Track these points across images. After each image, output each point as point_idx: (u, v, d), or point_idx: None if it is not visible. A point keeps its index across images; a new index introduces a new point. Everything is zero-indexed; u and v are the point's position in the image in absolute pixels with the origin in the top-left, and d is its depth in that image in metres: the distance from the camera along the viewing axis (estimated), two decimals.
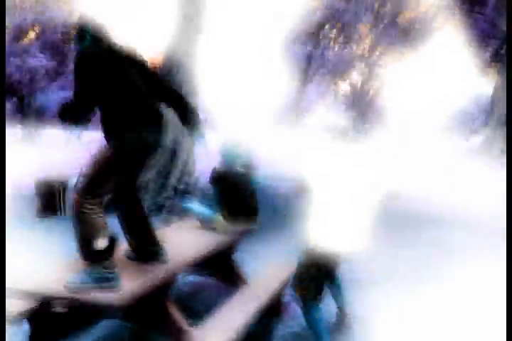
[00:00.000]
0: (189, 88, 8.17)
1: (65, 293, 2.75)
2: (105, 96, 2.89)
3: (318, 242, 3.25)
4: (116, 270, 2.89)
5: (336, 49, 34.33)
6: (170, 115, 3.32)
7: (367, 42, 37.44)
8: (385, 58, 39.76)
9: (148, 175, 8.03)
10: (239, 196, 4.33)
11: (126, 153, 2.92)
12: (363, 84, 39.83)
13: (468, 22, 29.42)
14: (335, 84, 41.00)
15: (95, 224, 2.85)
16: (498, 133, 18.44)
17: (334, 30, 30.84)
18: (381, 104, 55.01)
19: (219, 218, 4.31)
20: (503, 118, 18.27)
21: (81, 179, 2.92)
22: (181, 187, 8.16)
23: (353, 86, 41.05)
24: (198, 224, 4.45)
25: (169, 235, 3.89)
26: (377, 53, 38.55)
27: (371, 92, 42.02)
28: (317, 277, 3.35)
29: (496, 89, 23.45)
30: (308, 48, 28.19)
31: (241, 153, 4.50)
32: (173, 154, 8.22)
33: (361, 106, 41.06)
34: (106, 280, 2.81)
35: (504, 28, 24.28)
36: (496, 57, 23.81)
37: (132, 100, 2.93)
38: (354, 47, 35.88)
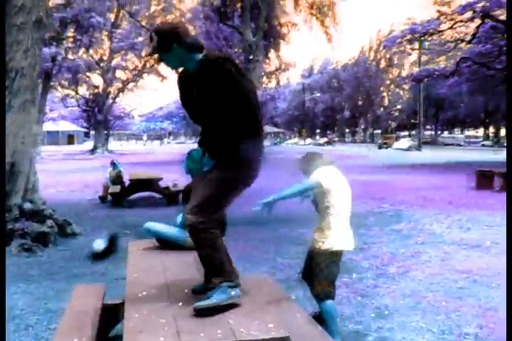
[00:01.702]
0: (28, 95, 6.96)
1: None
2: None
3: (338, 243, 3.58)
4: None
5: (80, 52, 32.78)
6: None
7: (106, 46, 36.71)
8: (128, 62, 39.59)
9: None
10: None
11: (251, 176, 2.78)
12: (104, 87, 38.85)
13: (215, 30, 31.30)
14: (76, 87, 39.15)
15: (220, 239, 2.73)
16: None
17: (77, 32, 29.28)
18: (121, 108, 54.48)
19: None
20: None
21: (200, 199, 2.66)
22: (27, 206, 6.87)
23: (94, 89, 39.76)
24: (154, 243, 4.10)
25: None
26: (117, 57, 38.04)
27: (112, 96, 41.31)
28: (336, 274, 3.66)
29: None
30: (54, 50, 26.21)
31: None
32: (12, 168, 6.87)
33: (103, 110, 40.02)
34: (234, 291, 2.61)
35: (248, 37, 26.33)
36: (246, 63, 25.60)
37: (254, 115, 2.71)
38: (95, 50, 34.87)
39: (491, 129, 70.54)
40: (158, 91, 68.45)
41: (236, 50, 36.99)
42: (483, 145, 58.40)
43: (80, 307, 3.46)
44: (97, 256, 3.71)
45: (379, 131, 79.73)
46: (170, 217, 8.13)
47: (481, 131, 77.08)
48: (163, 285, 2.99)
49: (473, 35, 21.61)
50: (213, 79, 2.59)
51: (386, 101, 79.64)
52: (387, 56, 70.04)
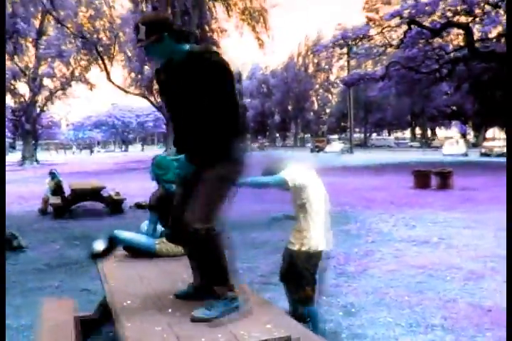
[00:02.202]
0: None
1: None
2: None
3: (317, 244, 3.52)
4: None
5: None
6: None
7: (32, 54, 35.50)
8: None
9: None
10: None
11: (240, 172, 2.71)
12: (31, 96, 37.48)
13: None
14: None
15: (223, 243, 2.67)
16: None
17: None
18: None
19: (162, 242, 3.92)
20: None
21: (201, 204, 2.55)
22: None
23: (20, 98, 38.29)
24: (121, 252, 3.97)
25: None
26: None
27: (39, 104, 39.95)
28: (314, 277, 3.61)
29: None
30: None
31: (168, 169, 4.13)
32: None
33: (30, 120, 38.61)
34: (235, 303, 2.60)
35: None
36: None
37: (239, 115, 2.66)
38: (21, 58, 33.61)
39: (417, 131, 73.50)
40: (88, 99, 66.74)
41: None
42: (411, 146, 60.83)
43: (54, 321, 3.34)
44: (97, 256, 3.64)
45: (309, 135, 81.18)
46: (117, 226, 8.03)
47: (407, 133, 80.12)
48: (145, 293, 2.95)
49: (401, 41, 22.54)
50: (199, 72, 2.50)
51: (316, 106, 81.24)
52: (315, 61, 71.62)
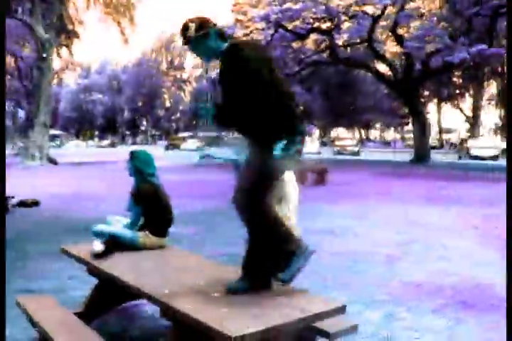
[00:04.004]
0: None
1: None
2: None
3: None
4: None
5: None
6: None
7: None
8: None
9: None
10: (162, 207, 4.18)
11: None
12: None
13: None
14: None
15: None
16: None
17: None
18: None
19: (146, 236, 4.03)
20: None
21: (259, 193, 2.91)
22: None
23: None
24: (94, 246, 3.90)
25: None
26: None
27: None
28: None
29: None
30: None
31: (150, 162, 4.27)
32: None
33: None
34: (304, 254, 2.91)
35: (41, 34, 24.83)
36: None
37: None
38: None
39: None
40: None
41: (22, 44, 34.43)
42: None
43: (55, 318, 3.25)
44: (98, 256, 3.62)
45: (159, 133, 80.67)
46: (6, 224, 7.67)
47: None
48: (172, 282, 2.99)
49: (267, 43, 23.60)
50: (231, 65, 2.66)
51: (168, 103, 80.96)
52: (169, 58, 71.38)
